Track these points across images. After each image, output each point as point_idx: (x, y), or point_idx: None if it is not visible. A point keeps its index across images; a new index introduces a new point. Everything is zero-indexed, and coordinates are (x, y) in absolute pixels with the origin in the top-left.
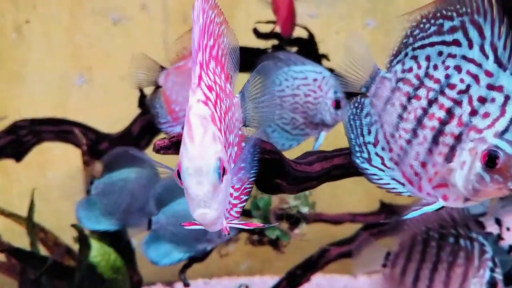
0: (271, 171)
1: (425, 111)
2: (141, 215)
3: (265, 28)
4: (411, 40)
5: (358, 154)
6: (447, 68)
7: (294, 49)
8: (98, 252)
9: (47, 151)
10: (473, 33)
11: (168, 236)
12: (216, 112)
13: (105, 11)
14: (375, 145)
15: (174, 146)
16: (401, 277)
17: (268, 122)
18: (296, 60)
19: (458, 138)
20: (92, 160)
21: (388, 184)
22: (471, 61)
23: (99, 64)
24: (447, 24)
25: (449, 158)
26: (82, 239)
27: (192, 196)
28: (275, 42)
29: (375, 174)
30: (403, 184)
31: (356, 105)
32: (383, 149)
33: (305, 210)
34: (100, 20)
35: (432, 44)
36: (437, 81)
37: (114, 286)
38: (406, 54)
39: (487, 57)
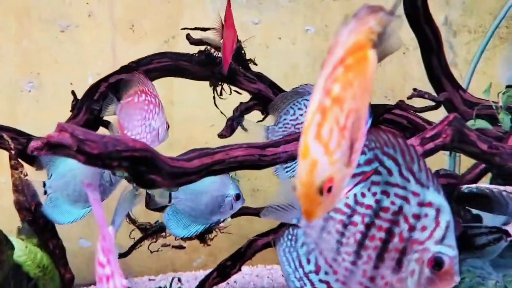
0: (143, 168)
1: (364, 235)
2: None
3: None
4: None
5: None
6: (374, 194)
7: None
8: (23, 252)
9: None
10: (388, 162)
11: (187, 211)
12: None
13: (53, 18)
14: (317, 272)
15: (46, 146)
16: None
17: None
18: (311, 90)
19: (403, 252)
20: (20, 164)
21: None
22: (395, 185)
23: (48, 71)
24: (362, 158)
25: (397, 269)
26: (3, 239)
27: None
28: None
29: None
30: None
31: (290, 237)
32: (326, 273)
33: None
34: (47, 27)
35: (353, 175)
36: (369, 207)
37: (42, 285)
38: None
39: (408, 180)
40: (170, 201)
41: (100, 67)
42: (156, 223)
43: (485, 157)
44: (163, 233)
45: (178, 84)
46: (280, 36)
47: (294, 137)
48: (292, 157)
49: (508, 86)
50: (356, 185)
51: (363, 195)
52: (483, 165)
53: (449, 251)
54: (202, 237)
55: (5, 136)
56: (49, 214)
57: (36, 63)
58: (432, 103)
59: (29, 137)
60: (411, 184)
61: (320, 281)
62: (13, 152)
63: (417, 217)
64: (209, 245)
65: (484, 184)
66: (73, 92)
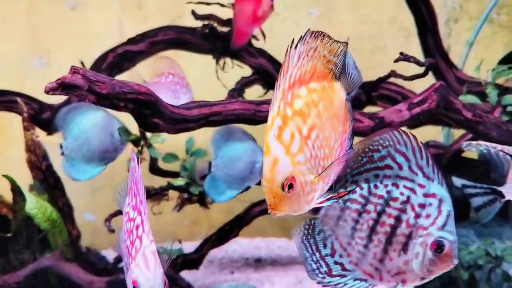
0: (147, 111)
1: (376, 221)
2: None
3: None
4: (348, 170)
5: (316, 272)
6: (386, 186)
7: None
8: (34, 205)
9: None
10: (400, 158)
11: (224, 177)
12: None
13: None
14: (332, 255)
15: (60, 87)
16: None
17: None
18: None
19: (409, 236)
20: (33, 126)
21: (353, 286)
22: (405, 178)
23: (57, 48)
24: (376, 155)
25: (403, 252)
26: (16, 190)
27: None
28: None
29: (338, 283)
30: (365, 280)
31: (307, 226)
32: (341, 256)
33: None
34: (57, 5)
35: (368, 170)
36: (381, 197)
37: (51, 237)
38: (346, 180)
39: (416, 174)
40: (210, 170)
41: (107, 45)
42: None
43: (470, 125)
44: (166, 197)
45: (183, 63)
46: (284, 18)
47: None
48: None
49: (501, 62)
50: (330, 199)
51: (376, 187)
52: (469, 136)
53: (450, 237)
54: (202, 201)
55: (19, 100)
56: (67, 172)
57: (45, 40)
58: (421, 71)
59: (40, 103)
60: (418, 178)
61: (335, 262)
62: (25, 115)
63: (422, 206)
64: (209, 208)
65: (484, 142)
66: (82, 63)
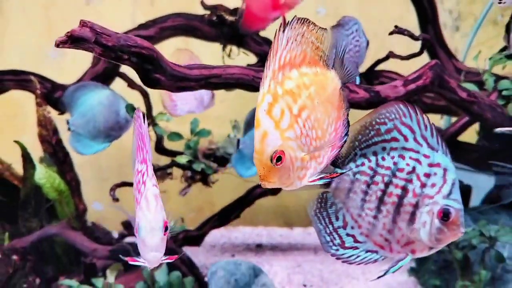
0: (149, 66)
1: (384, 192)
2: None
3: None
4: (356, 143)
5: (330, 244)
6: (392, 157)
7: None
8: (43, 175)
9: None
10: (405, 130)
11: (250, 154)
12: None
13: None
14: (344, 227)
15: (70, 40)
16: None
17: None
18: (351, 21)
19: (416, 206)
20: (45, 102)
21: (365, 257)
22: (410, 149)
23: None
24: (383, 128)
25: (411, 221)
26: (26, 157)
27: (148, 244)
28: None
29: (351, 255)
30: (376, 252)
31: (320, 200)
32: (352, 228)
33: (231, 151)
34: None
35: (375, 143)
36: (388, 168)
37: (58, 207)
38: (356, 154)
39: (421, 145)
40: (238, 147)
41: None
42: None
43: (464, 105)
44: (170, 176)
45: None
46: (292, 16)
47: None
48: None
49: (502, 50)
50: (322, 178)
51: (383, 158)
52: (465, 119)
53: (455, 204)
54: (205, 180)
55: (33, 78)
56: (74, 146)
57: (61, 32)
58: (416, 51)
59: (53, 83)
60: (423, 148)
61: (347, 234)
62: (38, 92)
63: (428, 175)
64: (211, 186)
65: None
66: None
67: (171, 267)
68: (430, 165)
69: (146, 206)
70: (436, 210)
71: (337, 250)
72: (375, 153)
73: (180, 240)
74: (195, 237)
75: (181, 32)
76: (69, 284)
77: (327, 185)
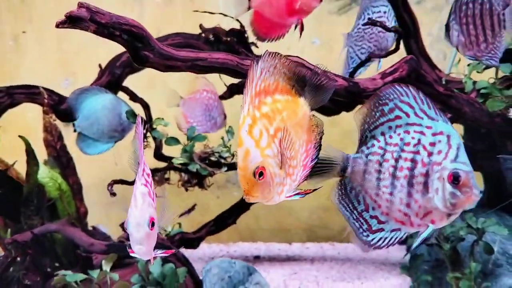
0: (139, 44)
1: (395, 167)
2: None
3: None
4: (366, 126)
5: (360, 230)
6: (399, 134)
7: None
8: (46, 174)
9: None
10: (405, 108)
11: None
12: (151, 188)
13: None
14: (367, 210)
15: (69, 20)
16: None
17: None
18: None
19: (426, 175)
20: (51, 111)
21: (391, 238)
22: (413, 124)
23: (83, 71)
24: (386, 108)
25: (425, 191)
26: (30, 153)
27: (134, 238)
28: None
29: (380, 239)
30: (399, 229)
31: (340, 187)
32: (373, 209)
33: (226, 155)
34: (85, 33)
35: (382, 124)
36: (396, 144)
37: (60, 206)
38: (366, 137)
39: (422, 118)
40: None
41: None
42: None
43: (441, 99)
44: (168, 180)
45: None
46: (289, 46)
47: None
48: None
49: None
50: (298, 194)
51: (390, 137)
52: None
53: (463, 167)
54: (201, 183)
55: (41, 88)
56: (79, 147)
57: (73, 64)
58: (391, 48)
59: (59, 96)
60: (424, 121)
61: (371, 217)
62: (46, 101)
63: (433, 144)
64: (206, 189)
65: None
66: (99, 65)
67: (166, 263)
68: (434, 134)
69: (134, 203)
70: (445, 175)
71: (367, 235)
72: (383, 133)
73: (177, 241)
74: (192, 240)
75: (182, 46)
76: (65, 274)
77: (344, 171)
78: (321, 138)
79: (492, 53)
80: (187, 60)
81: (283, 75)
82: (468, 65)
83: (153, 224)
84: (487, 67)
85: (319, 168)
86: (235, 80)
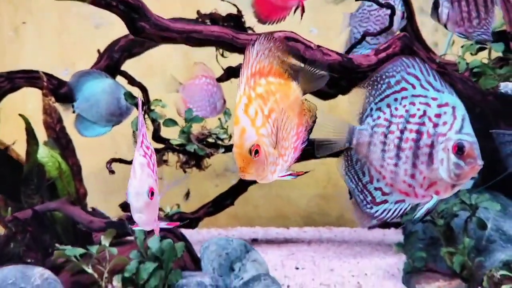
0: (135, 15)
1: (400, 139)
2: None
3: None
4: (371, 98)
5: (364, 202)
6: (404, 106)
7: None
8: (46, 154)
9: None
10: (411, 79)
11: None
12: (150, 160)
13: (89, 16)
14: (371, 181)
15: None
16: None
17: None
18: None
19: (431, 146)
20: (51, 93)
21: (395, 210)
22: (419, 96)
23: (82, 61)
24: (392, 80)
25: (430, 162)
26: (30, 132)
27: (133, 207)
28: None
29: (383, 211)
30: (403, 201)
31: (346, 158)
32: (378, 180)
33: (223, 136)
34: (83, 24)
35: (387, 96)
36: (401, 116)
37: (60, 185)
38: (372, 109)
39: (427, 90)
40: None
41: (127, 60)
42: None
43: None
44: (166, 162)
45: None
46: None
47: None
48: None
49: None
50: (290, 175)
51: (396, 109)
52: None
53: (468, 138)
54: (199, 164)
55: (40, 72)
56: (77, 128)
57: (72, 54)
58: (385, 26)
59: (59, 80)
60: (430, 92)
61: (375, 188)
62: (45, 84)
63: (438, 115)
64: (204, 170)
65: None
66: (98, 50)
67: (164, 239)
68: (439, 106)
69: (133, 174)
70: (450, 145)
71: (371, 208)
72: (388, 105)
73: (175, 220)
74: (190, 220)
75: None
76: (64, 248)
77: (350, 143)
78: (314, 122)
79: (485, 28)
80: (182, 32)
81: (277, 58)
82: (462, 46)
83: (152, 194)
84: (481, 48)
85: (326, 139)
86: (232, 64)
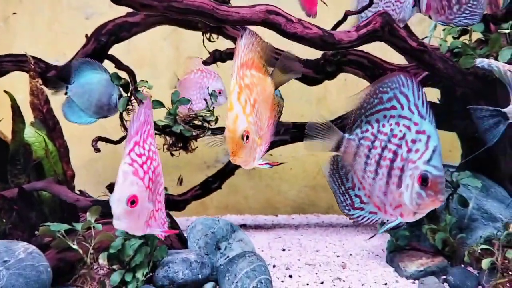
0: None
1: (380, 156)
2: None
3: None
4: (362, 111)
5: (343, 204)
6: (390, 124)
7: None
8: (32, 134)
9: None
10: (402, 99)
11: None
12: (138, 169)
13: (80, 7)
14: (353, 188)
15: None
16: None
17: None
18: None
19: (402, 170)
20: (38, 76)
21: (369, 218)
22: (404, 117)
23: (73, 51)
24: (385, 96)
25: (399, 185)
26: (16, 109)
27: (113, 213)
28: None
29: (359, 216)
30: (376, 213)
31: (332, 162)
32: (359, 189)
33: (210, 118)
34: (75, 14)
35: (378, 111)
36: (385, 134)
37: (46, 165)
38: (362, 121)
39: (413, 113)
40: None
41: (117, 50)
42: None
43: (415, 54)
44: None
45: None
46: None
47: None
48: (245, 21)
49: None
50: (267, 164)
51: (383, 125)
52: (421, 77)
53: (434, 171)
54: (186, 146)
55: (28, 55)
56: (64, 111)
57: (63, 44)
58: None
59: (47, 64)
60: (414, 116)
61: (355, 195)
62: (32, 66)
63: (414, 141)
64: (192, 152)
65: (495, 61)
66: (86, 35)
67: None
68: (417, 132)
69: (117, 181)
70: (416, 174)
71: (349, 210)
72: (377, 120)
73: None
74: (177, 202)
75: (166, 21)
76: (49, 224)
77: (337, 149)
78: (279, 118)
79: (467, 13)
80: (163, 1)
81: (257, 53)
82: (444, 29)
83: (133, 202)
84: (463, 31)
85: (318, 138)
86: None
